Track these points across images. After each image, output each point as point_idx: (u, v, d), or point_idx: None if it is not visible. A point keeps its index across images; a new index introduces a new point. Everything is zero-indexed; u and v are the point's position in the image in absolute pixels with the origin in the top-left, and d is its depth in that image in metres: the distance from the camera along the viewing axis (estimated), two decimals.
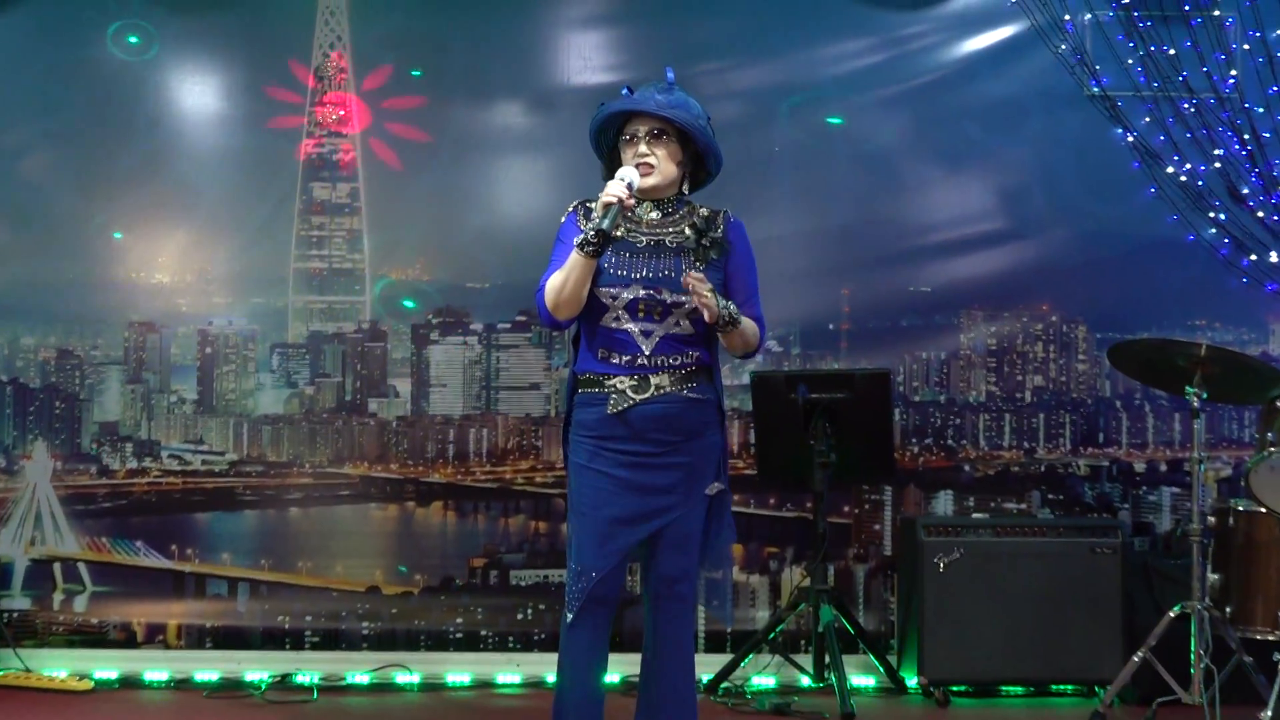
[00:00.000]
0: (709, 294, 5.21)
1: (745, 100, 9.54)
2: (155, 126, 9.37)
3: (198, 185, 9.42)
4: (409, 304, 9.67)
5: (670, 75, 5.38)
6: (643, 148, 5.33)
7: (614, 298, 5.34)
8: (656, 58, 8.94)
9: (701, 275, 5.25)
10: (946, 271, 9.58)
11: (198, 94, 9.40)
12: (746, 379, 8.82)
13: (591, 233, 5.15)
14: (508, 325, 9.66)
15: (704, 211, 5.44)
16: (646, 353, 5.33)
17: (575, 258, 5.20)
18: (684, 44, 9.46)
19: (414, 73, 9.55)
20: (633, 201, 5.26)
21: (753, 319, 5.47)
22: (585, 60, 9.49)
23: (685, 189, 5.46)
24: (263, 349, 9.67)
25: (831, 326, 9.67)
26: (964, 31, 9.62)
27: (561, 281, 5.23)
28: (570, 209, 5.46)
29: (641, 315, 5.32)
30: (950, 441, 9.64)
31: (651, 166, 5.33)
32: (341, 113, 9.55)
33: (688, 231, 5.36)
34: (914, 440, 9.63)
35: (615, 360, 5.35)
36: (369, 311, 9.70)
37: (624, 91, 5.40)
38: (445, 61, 9.51)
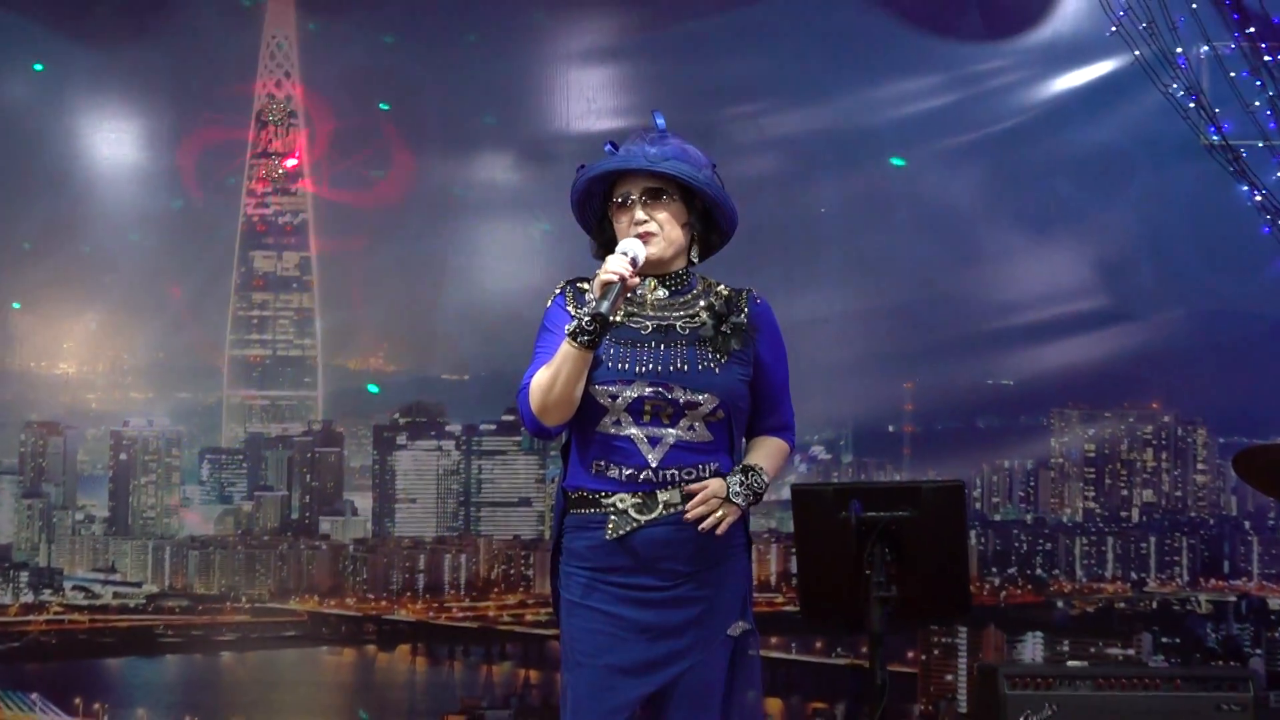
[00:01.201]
0: (718, 509, 5.23)
1: (784, 151, 9.58)
2: (61, 184, 9.40)
3: (112, 254, 9.45)
4: (374, 389, 9.77)
5: (660, 121, 5.33)
6: (639, 213, 5.27)
7: (613, 397, 5.22)
8: (675, 99, 9.09)
9: (706, 503, 5.23)
10: (1033, 361, 9.57)
11: (113, 143, 9.43)
12: (785, 493, 8.40)
13: (587, 319, 5.04)
14: (492, 426, 9.69)
15: (723, 290, 5.36)
16: (653, 463, 5.22)
17: (567, 350, 5.10)
18: (710, 83, 9.50)
19: (382, 105, 9.59)
20: (636, 280, 5.17)
21: (779, 428, 5.45)
22: (589, 102, 9.56)
23: (695, 257, 5.37)
24: (190, 456, 9.69)
25: (891, 428, 9.72)
26: (1052, 67, 9.63)
27: (550, 379, 5.14)
28: (557, 290, 5.32)
29: (647, 418, 5.23)
30: (1039, 571, 9.63)
31: (653, 234, 5.26)
32: (290, 164, 9.67)
33: (704, 317, 5.29)
34: (994, 569, 9.60)
35: (614, 473, 5.22)
36: (321, 409, 9.76)
37: (607, 148, 5.32)
38: (418, 104, 9.55)
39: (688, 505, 5.22)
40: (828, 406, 9.24)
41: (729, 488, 5.25)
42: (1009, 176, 9.61)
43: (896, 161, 9.65)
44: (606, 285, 5.06)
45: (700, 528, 5.19)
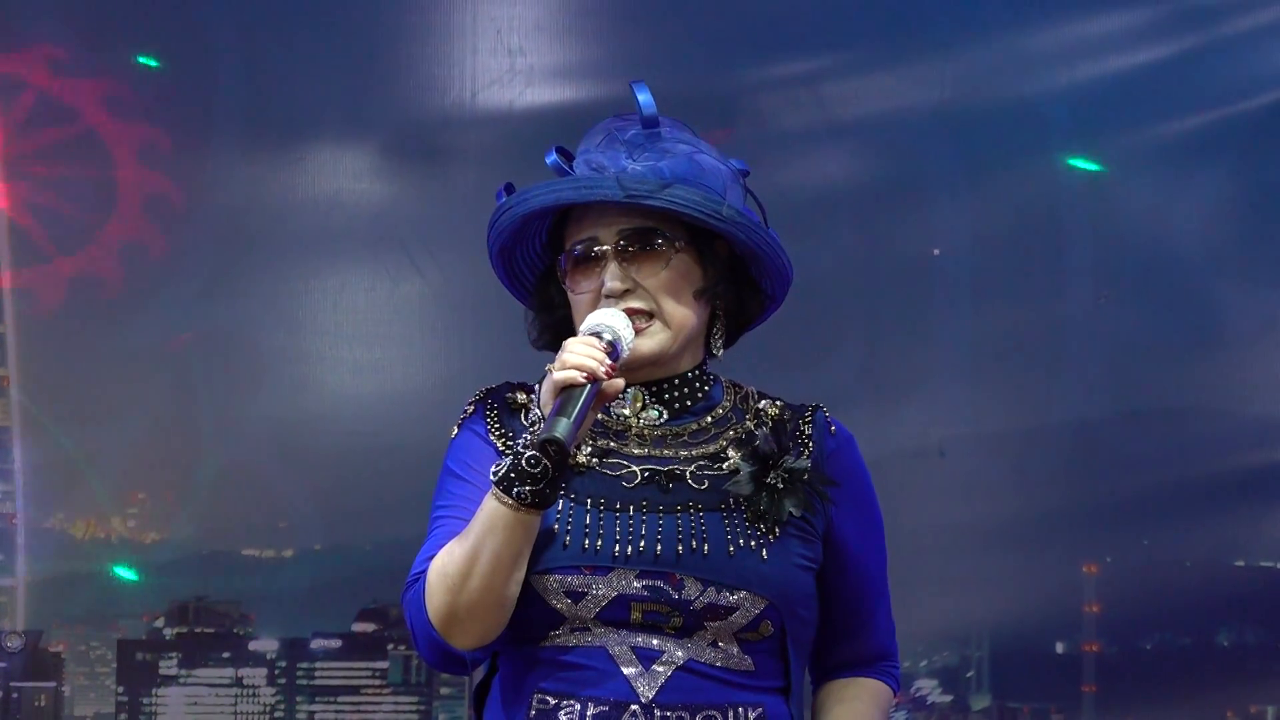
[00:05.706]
0: None
1: (866, 145, 9.75)
2: None
3: None
4: (125, 573, 9.87)
5: (645, 101, 5.09)
6: (613, 277, 5.07)
7: (575, 597, 5.00)
8: (668, 53, 9.84)
9: None
10: None
11: None
12: None
13: (530, 454, 4.80)
14: (334, 643, 9.89)
15: (769, 407, 5.13)
16: (644, 696, 4.92)
17: (494, 511, 4.84)
18: (731, 25, 9.69)
19: (142, 59, 9.66)
20: (619, 384, 4.94)
21: (874, 658, 5.16)
22: (512, 55, 10.11)
23: (718, 347, 5.18)
24: None
25: (1061, 648, 9.90)
26: None
27: (464, 564, 4.91)
28: (468, 409, 5.18)
29: (636, 626, 4.99)
30: None
31: (643, 313, 5.08)
32: None
33: (734, 457, 5.02)
34: None
35: (569, 715, 4.93)
36: (23, 612, 9.54)
37: (551, 160, 5.13)
38: (207, 58, 9.58)
39: None
40: (945, 609, 9.24)
41: None
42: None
43: (1078, 162, 9.42)
44: (565, 390, 4.83)
45: None
